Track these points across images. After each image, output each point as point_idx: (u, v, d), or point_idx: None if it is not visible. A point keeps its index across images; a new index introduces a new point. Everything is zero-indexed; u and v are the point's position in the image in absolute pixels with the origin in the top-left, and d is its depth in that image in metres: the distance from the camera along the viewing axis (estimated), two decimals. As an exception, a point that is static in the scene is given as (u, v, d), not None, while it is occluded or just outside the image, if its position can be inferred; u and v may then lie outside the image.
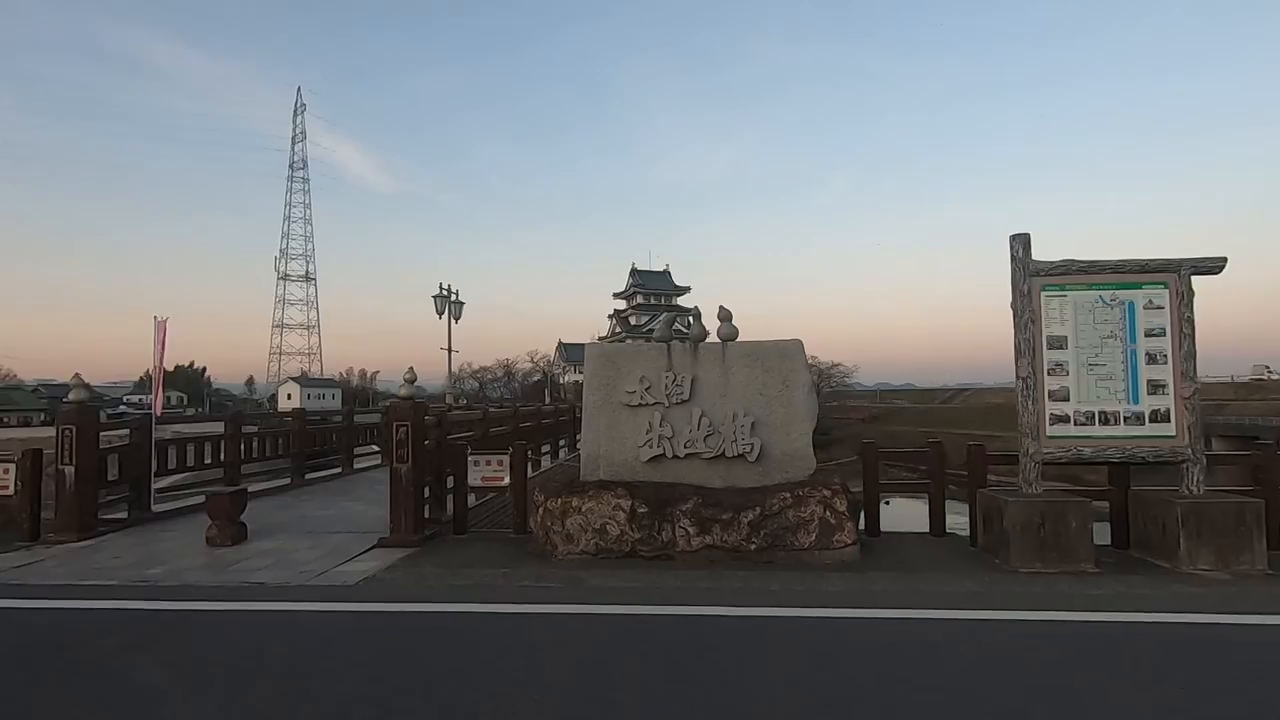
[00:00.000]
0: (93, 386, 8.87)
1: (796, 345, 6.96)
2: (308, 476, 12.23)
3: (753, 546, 6.27)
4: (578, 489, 6.68)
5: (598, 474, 6.99)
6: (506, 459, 7.63)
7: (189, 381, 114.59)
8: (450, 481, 7.89)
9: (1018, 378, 6.35)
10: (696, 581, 5.74)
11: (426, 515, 7.84)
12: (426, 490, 7.94)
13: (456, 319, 22.67)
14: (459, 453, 7.76)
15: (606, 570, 6.07)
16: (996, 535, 6.18)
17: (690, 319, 7.08)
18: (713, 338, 7.09)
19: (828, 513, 6.33)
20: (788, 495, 6.37)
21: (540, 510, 6.68)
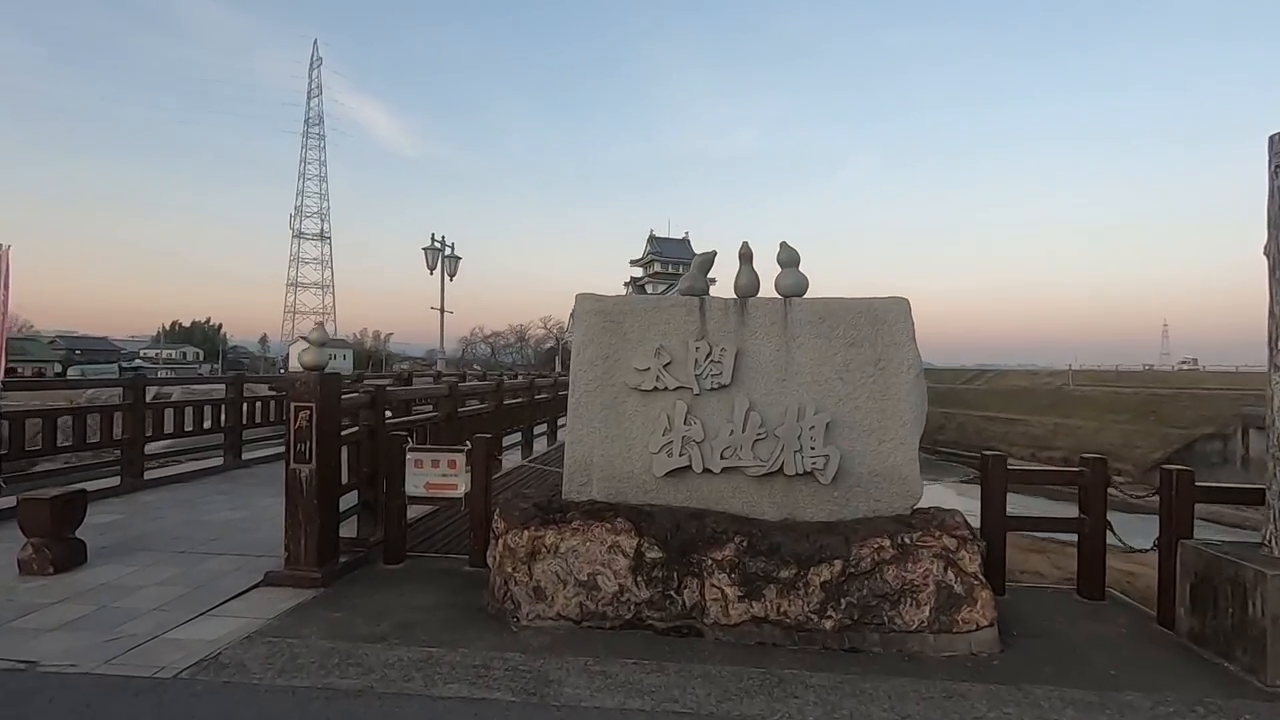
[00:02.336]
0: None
1: (899, 306, 4.53)
2: (249, 456, 10.04)
3: (828, 623, 3.94)
4: (555, 515, 4.35)
5: (588, 491, 4.66)
6: (461, 459, 5.30)
7: (205, 338, 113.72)
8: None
9: (1271, 362, 3.87)
10: (738, 682, 3.44)
11: (356, 533, 5.58)
12: (359, 497, 5.67)
13: (451, 275, 20.32)
14: (399, 447, 5.43)
15: (594, 653, 3.78)
16: (1232, 626, 3.79)
17: (738, 263, 4.69)
18: (768, 291, 4.67)
19: (949, 573, 3.97)
20: (885, 543, 4.00)
21: (498, 546, 4.38)
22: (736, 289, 4.68)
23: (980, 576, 3.98)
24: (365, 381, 10.28)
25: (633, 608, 4.11)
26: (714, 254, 4.77)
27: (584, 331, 4.73)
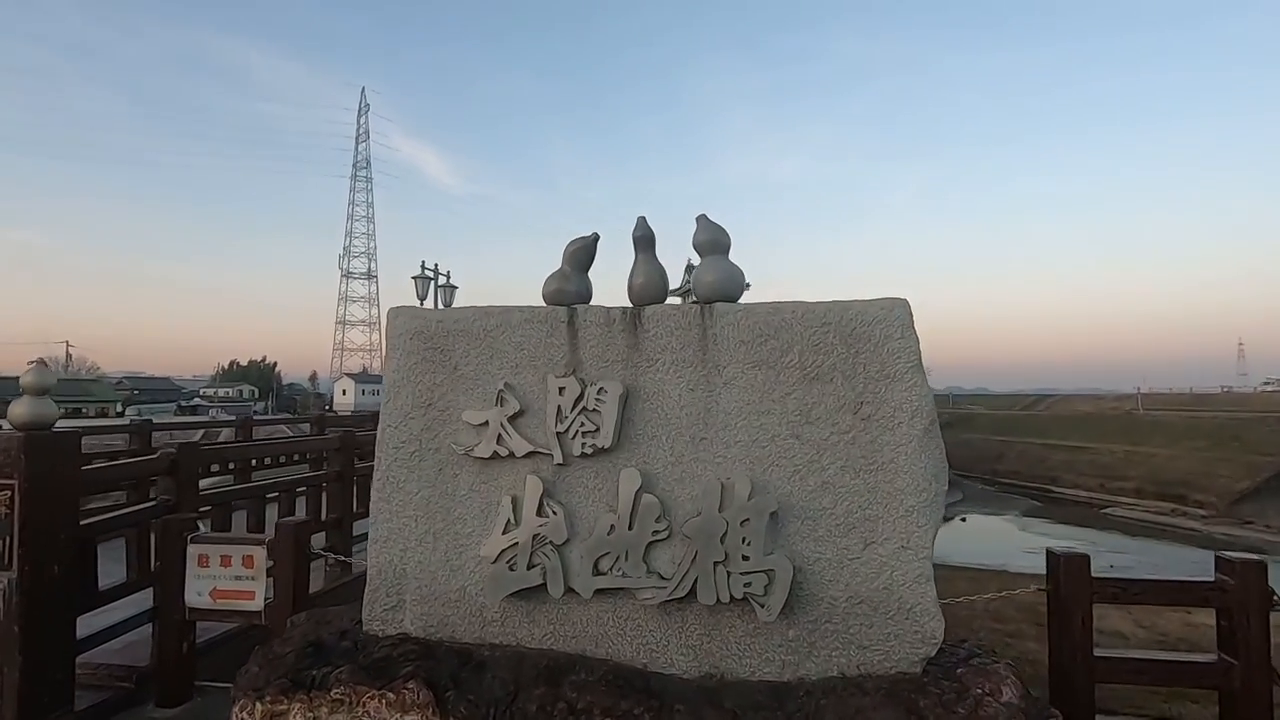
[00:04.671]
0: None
1: (892, 313, 2.68)
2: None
3: None
4: (314, 673, 2.62)
5: (398, 619, 2.91)
6: (259, 554, 3.63)
7: (261, 376, 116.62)
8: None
9: None
10: None
11: (151, 655, 3.94)
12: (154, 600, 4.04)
13: (447, 305, 19.01)
14: (177, 536, 3.79)
15: None
16: None
17: (638, 255, 2.92)
18: (676, 297, 2.91)
19: (994, 814, 2.07)
20: (869, 748, 2.14)
21: (230, 721, 2.66)
22: (631, 293, 2.93)
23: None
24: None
25: None
26: (594, 238, 3.03)
27: (397, 365, 3.03)
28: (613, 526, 2.66)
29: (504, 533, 2.74)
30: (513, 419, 2.83)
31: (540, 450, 2.79)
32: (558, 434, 2.77)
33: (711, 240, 2.87)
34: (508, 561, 2.72)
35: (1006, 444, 46.89)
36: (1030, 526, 29.69)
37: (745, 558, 2.53)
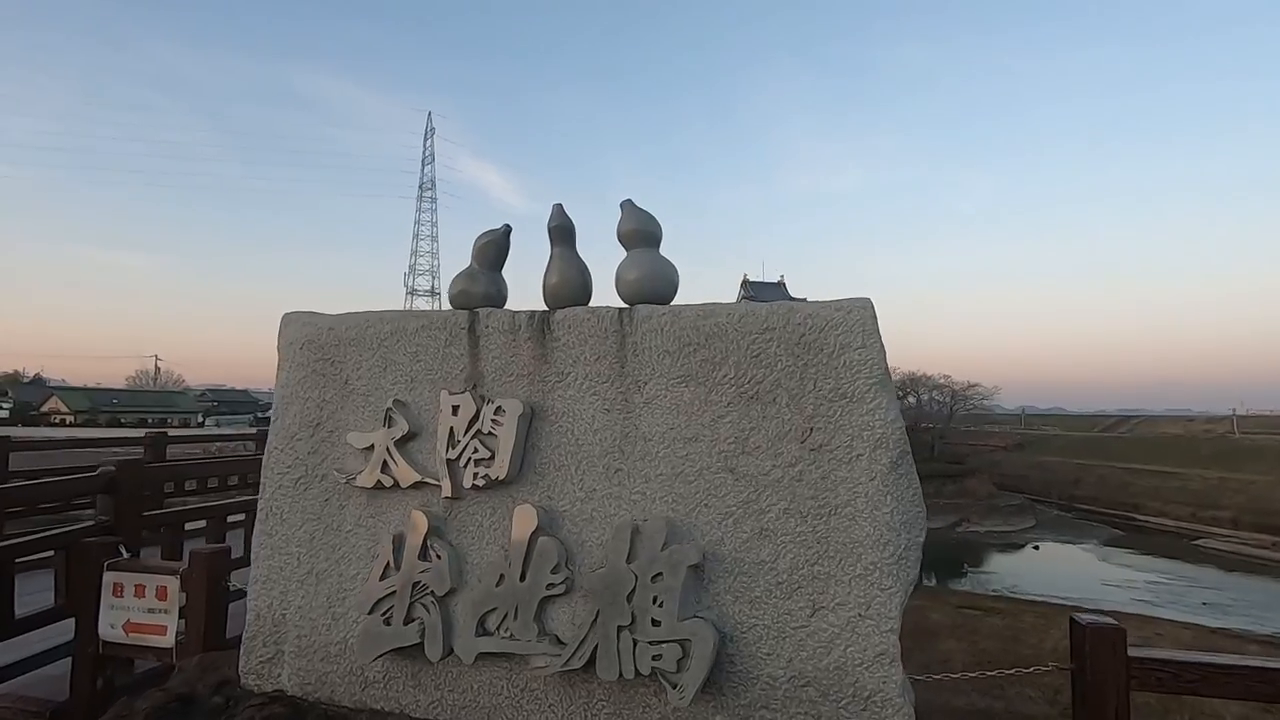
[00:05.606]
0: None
1: (851, 316, 2.12)
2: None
3: None
4: (157, 741, 2.23)
5: (275, 673, 2.50)
6: (173, 585, 3.31)
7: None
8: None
9: None
10: None
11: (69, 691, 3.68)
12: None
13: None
14: (94, 561, 3.52)
15: None
16: None
17: (554, 249, 2.46)
18: (601, 300, 2.43)
19: None
20: None
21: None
22: (545, 294, 2.47)
23: None
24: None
25: None
26: (506, 230, 2.58)
27: (285, 380, 2.65)
28: (502, 576, 2.19)
29: (381, 578, 2.30)
30: (401, 443, 2.40)
31: (429, 480, 2.34)
32: (448, 461, 2.32)
33: (637, 230, 2.38)
34: (383, 614, 2.28)
35: (1085, 468, 43.92)
36: (1111, 557, 27.40)
37: (656, 622, 2.01)
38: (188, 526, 4.56)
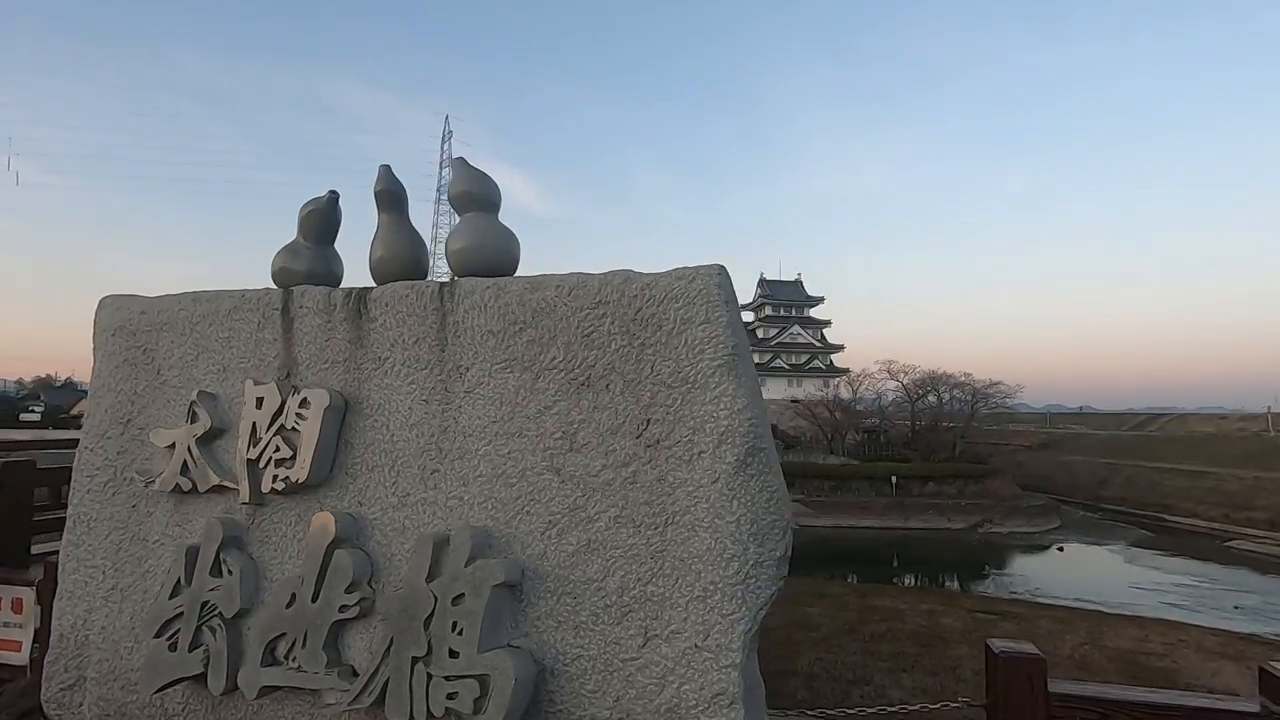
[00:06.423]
0: None
1: (697, 286, 1.77)
2: None
3: None
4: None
5: (76, 704, 2.21)
6: (28, 597, 3.05)
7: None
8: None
9: None
10: None
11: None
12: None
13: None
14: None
15: None
16: None
17: (381, 217, 2.14)
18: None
19: None
20: None
21: None
22: (371, 268, 2.14)
23: None
24: None
25: None
26: (331, 198, 2.25)
27: (98, 371, 2.36)
28: (294, 595, 1.87)
29: (171, 596, 2.00)
30: (204, 440, 2.09)
31: (227, 484, 2.04)
32: (248, 462, 2.01)
33: (469, 192, 2.05)
34: (169, 637, 1.97)
35: (1112, 467, 42.67)
36: (1139, 559, 26.40)
37: (454, 653, 1.68)
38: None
